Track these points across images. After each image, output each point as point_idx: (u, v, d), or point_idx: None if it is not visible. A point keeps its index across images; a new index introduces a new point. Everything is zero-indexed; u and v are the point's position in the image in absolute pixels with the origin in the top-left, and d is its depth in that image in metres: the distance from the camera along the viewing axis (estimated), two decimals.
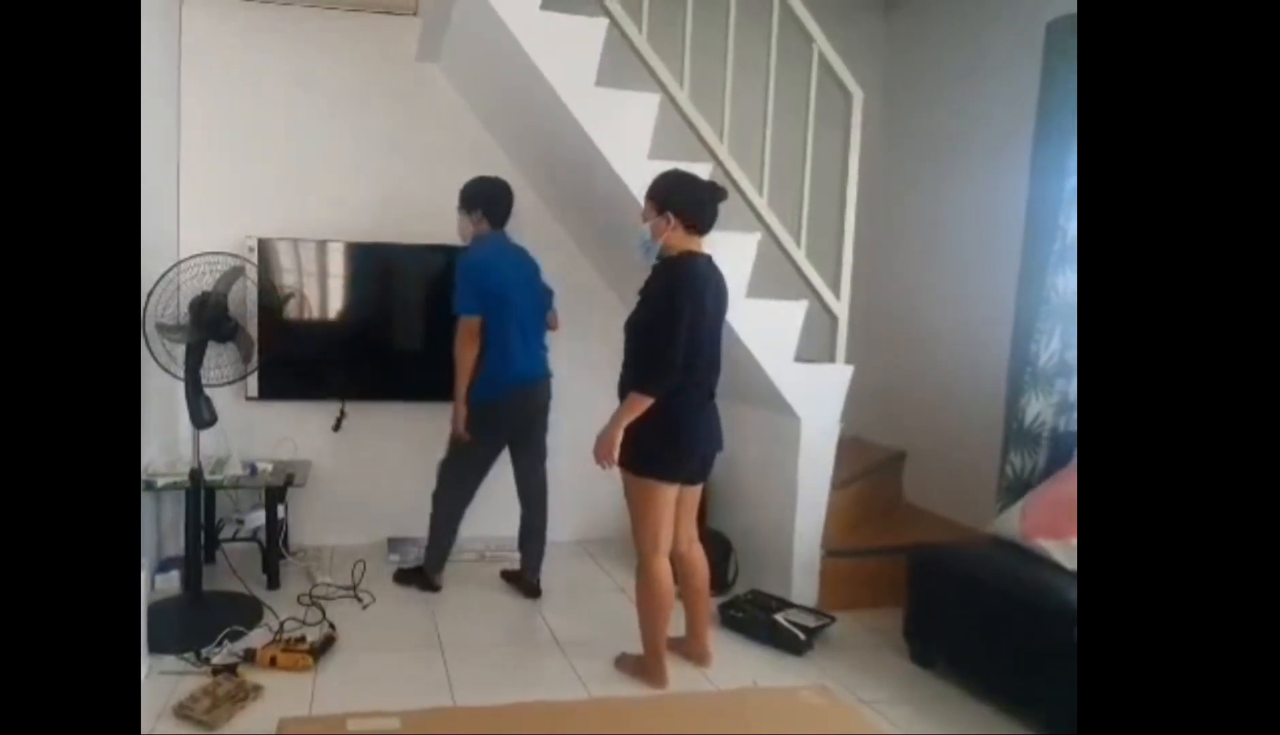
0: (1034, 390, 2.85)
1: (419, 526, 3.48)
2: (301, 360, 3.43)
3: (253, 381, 3.29)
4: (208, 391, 2.68)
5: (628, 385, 2.32)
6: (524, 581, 3.13)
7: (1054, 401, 2.83)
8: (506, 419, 2.99)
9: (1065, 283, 2.78)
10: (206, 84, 3.33)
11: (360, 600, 2.98)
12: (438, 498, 3.08)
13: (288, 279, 3.35)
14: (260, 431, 3.38)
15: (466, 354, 2.86)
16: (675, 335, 2.22)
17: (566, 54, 2.61)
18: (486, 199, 2.97)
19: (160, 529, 3.11)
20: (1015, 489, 2.84)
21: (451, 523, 3.09)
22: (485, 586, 3.20)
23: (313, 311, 3.43)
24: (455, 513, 3.08)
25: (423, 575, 3.12)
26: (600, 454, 2.31)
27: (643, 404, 2.26)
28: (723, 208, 2.38)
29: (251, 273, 2.87)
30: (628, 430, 2.29)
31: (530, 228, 3.62)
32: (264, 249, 3.29)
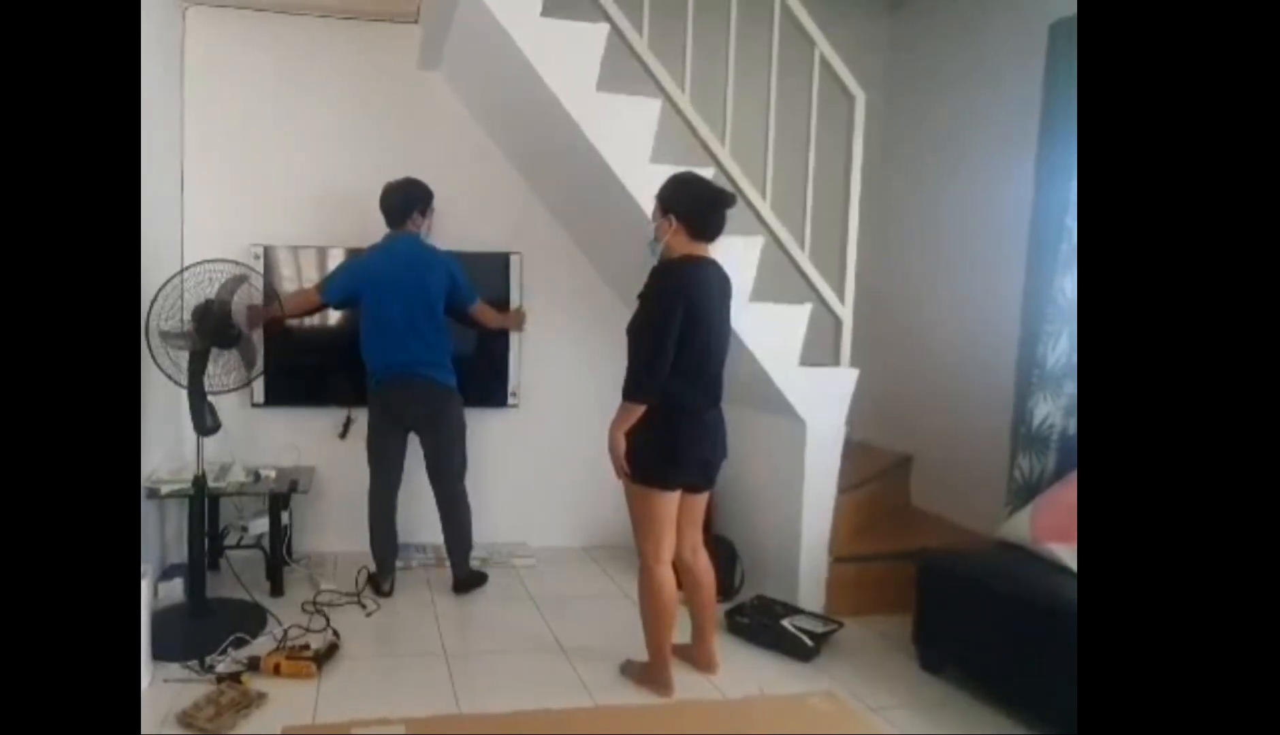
0: (1042, 393, 2.82)
1: (422, 532, 3.48)
2: (307, 367, 3.44)
3: (259, 388, 3.31)
4: (211, 398, 2.68)
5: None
6: (454, 579, 3.16)
7: (1062, 404, 2.80)
8: (386, 404, 3.07)
9: (1072, 284, 2.75)
10: (209, 93, 3.35)
11: (364, 607, 2.97)
12: (368, 501, 3.14)
13: (289, 286, 3.35)
14: (265, 438, 3.38)
15: (291, 300, 3.16)
16: (662, 341, 2.18)
17: (567, 59, 2.61)
18: (381, 203, 3.11)
19: (164, 537, 3.11)
20: (1024, 493, 2.81)
21: (380, 520, 3.11)
22: (489, 593, 3.19)
23: (314, 318, 3.42)
24: (381, 510, 3.11)
25: (375, 580, 3.13)
26: (613, 464, 2.31)
27: (634, 411, 2.24)
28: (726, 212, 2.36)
29: (256, 280, 2.87)
30: (628, 436, 2.27)
31: (532, 232, 3.63)
32: (268, 256, 3.30)
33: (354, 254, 3.44)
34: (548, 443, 3.63)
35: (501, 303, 3.48)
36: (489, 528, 3.48)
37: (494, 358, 3.60)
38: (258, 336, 3.23)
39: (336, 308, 3.18)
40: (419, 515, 3.42)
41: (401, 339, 3.03)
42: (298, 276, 3.40)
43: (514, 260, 3.56)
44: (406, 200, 3.09)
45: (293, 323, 3.33)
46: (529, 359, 3.65)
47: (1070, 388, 2.79)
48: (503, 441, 3.68)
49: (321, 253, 3.42)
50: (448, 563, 3.20)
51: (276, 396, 3.38)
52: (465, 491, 3.17)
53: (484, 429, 3.57)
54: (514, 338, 3.59)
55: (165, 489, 2.83)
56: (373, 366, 3.09)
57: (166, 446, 3.08)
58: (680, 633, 2.48)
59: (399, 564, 3.35)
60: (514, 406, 3.65)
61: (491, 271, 3.51)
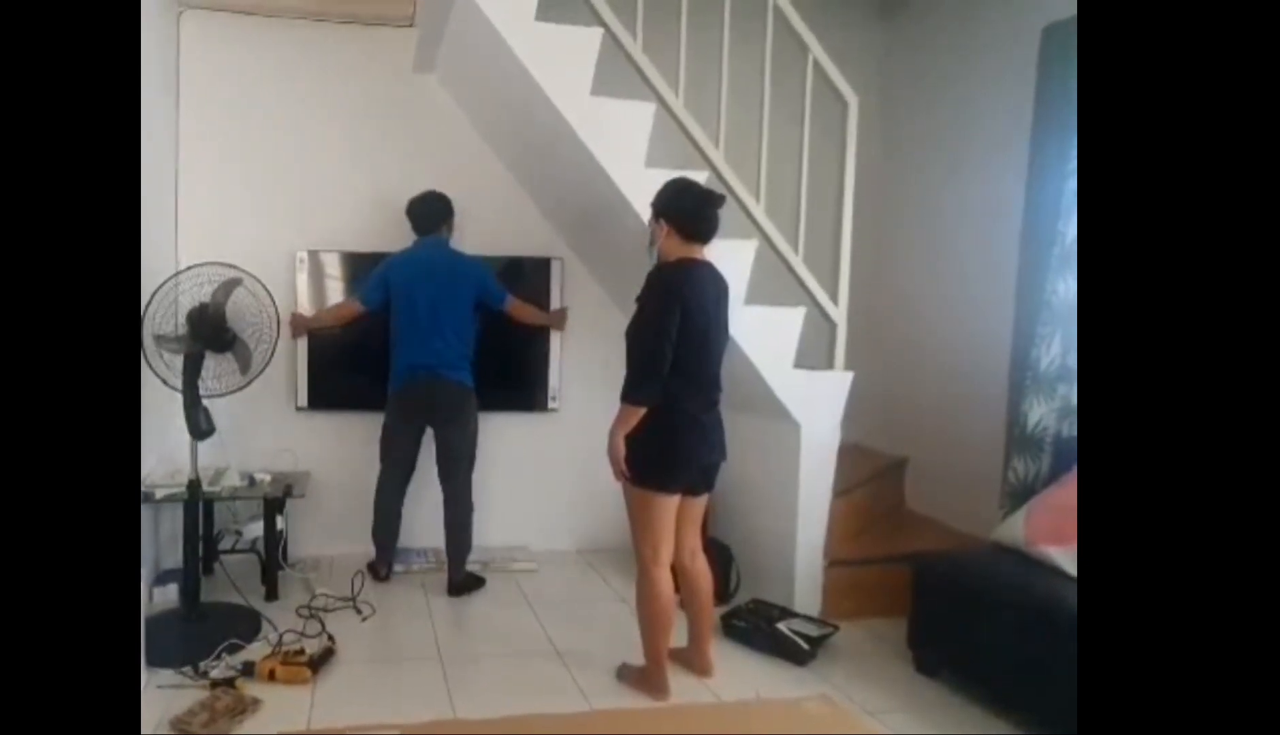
0: (1035, 395, 2.83)
1: (422, 537, 3.48)
2: (350, 371, 3.50)
3: (303, 392, 3.42)
4: (206, 402, 2.67)
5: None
6: (449, 580, 3.20)
7: (1056, 407, 2.81)
8: (406, 404, 3.18)
9: (1065, 287, 2.76)
10: (204, 96, 3.35)
11: (360, 612, 2.96)
12: (375, 491, 3.26)
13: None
14: (267, 442, 3.39)
15: (334, 311, 3.35)
16: (659, 343, 2.20)
17: (562, 63, 2.62)
18: (408, 211, 3.24)
19: (159, 541, 3.10)
20: (1019, 495, 2.82)
21: (382, 512, 3.23)
22: (485, 597, 3.18)
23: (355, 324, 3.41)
24: (387, 500, 3.23)
25: (373, 567, 3.26)
26: (612, 467, 2.32)
27: (634, 413, 2.25)
28: (720, 215, 2.37)
29: (251, 284, 2.85)
30: (627, 440, 2.27)
31: (526, 236, 3.63)
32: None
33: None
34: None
35: (541, 307, 3.52)
36: (484, 532, 3.47)
37: (534, 361, 3.63)
38: (302, 345, 3.37)
39: (377, 312, 3.22)
40: (419, 520, 3.42)
41: (426, 341, 3.12)
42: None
43: (555, 265, 3.58)
44: (434, 211, 3.23)
45: (333, 329, 3.41)
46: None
47: (1063, 390, 2.80)
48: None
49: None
50: (446, 567, 3.21)
51: (321, 400, 3.45)
52: (470, 491, 3.21)
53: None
54: (555, 341, 3.62)
55: (160, 493, 2.82)
56: (397, 366, 3.17)
57: (161, 450, 3.07)
58: (677, 637, 2.48)
59: (398, 568, 3.35)
60: (554, 410, 3.66)
61: (532, 276, 3.55)
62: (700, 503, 2.48)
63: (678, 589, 2.44)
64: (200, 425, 2.65)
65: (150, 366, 2.58)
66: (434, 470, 3.24)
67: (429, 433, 3.26)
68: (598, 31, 2.67)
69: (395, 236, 3.40)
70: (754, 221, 2.95)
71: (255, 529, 3.15)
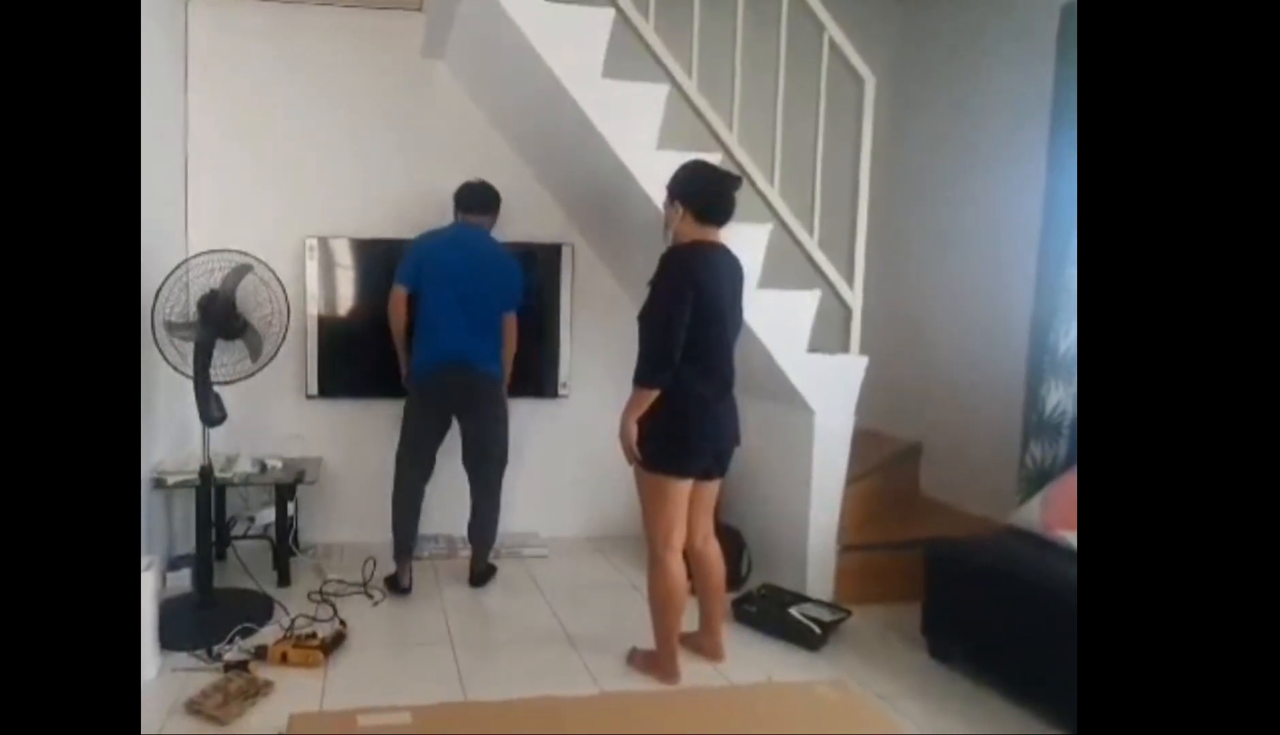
0: (1054, 380, 2.79)
1: (430, 523, 3.47)
2: (358, 358, 3.46)
3: (313, 379, 3.41)
4: (217, 389, 2.67)
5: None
6: (471, 570, 3.15)
7: (1074, 391, 2.77)
8: (433, 396, 3.03)
9: None
10: (213, 83, 3.34)
11: (371, 597, 2.97)
12: (394, 487, 3.09)
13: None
14: (278, 429, 3.40)
15: (395, 319, 3.08)
16: (670, 325, 2.18)
17: (573, 46, 2.59)
18: (456, 195, 3.11)
19: (172, 526, 3.12)
20: (1035, 480, 2.79)
21: (404, 510, 3.07)
22: (496, 583, 3.19)
23: (364, 311, 3.41)
24: (406, 500, 3.06)
25: (393, 580, 3.06)
26: (624, 451, 2.30)
27: (646, 396, 2.23)
28: (736, 197, 2.33)
29: (262, 271, 2.84)
30: (640, 424, 2.26)
31: (537, 222, 3.61)
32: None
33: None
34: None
35: (551, 293, 3.54)
36: (506, 517, 3.46)
37: (544, 348, 3.61)
38: (312, 332, 3.36)
39: (415, 291, 3.03)
40: (433, 506, 3.40)
41: (460, 330, 2.97)
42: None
43: (565, 251, 3.57)
44: (488, 198, 3.11)
45: (342, 316, 3.43)
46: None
47: None
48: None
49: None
50: (459, 553, 3.20)
51: (332, 388, 3.44)
52: (500, 485, 3.13)
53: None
54: (565, 328, 3.61)
55: (172, 479, 2.83)
56: (424, 355, 3.00)
57: (173, 437, 3.08)
58: (688, 621, 2.47)
59: None
60: (564, 397, 3.65)
61: (543, 262, 3.54)
62: (713, 487, 2.47)
63: (690, 574, 2.43)
64: (212, 412, 2.65)
65: (162, 353, 2.58)
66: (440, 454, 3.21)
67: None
68: (609, 12, 2.63)
69: (403, 223, 3.39)
70: (768, 204, 2.92)
71: (267, 515, 3.16)
